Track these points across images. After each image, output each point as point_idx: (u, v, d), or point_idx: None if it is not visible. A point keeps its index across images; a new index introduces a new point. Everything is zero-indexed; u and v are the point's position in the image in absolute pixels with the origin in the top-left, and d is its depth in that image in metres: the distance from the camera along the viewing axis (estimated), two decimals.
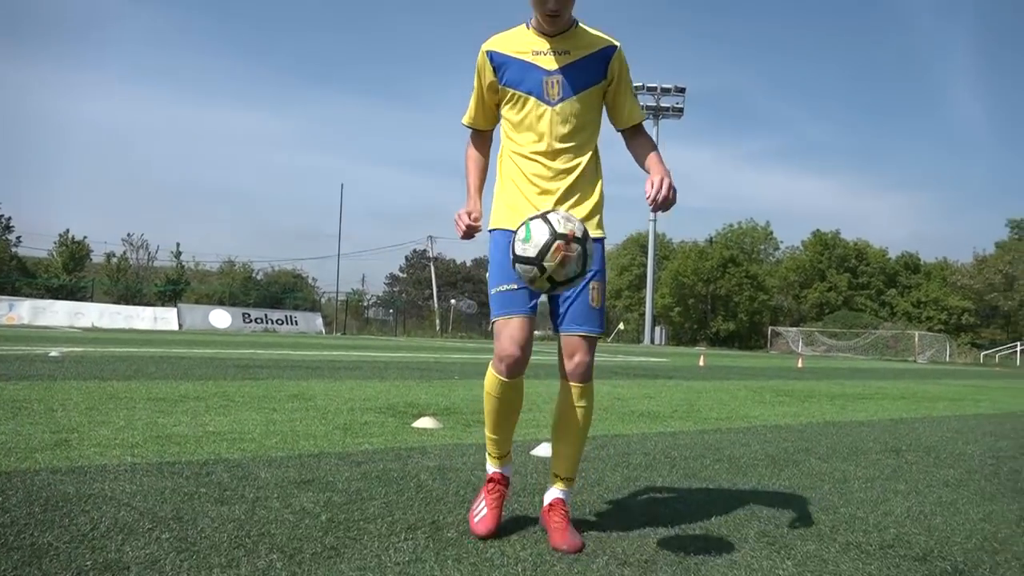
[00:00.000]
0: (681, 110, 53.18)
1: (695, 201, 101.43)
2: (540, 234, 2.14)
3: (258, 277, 51.92)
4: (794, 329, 47.80)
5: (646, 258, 53.67)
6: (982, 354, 42.95)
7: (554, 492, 2.54)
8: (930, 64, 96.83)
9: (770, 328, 48.68)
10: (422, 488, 3.09)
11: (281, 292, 47.80)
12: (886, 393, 10.46)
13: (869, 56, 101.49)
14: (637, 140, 2.64)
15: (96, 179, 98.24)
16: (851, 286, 55.95)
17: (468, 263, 63.53)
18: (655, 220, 53.63)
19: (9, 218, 40.44)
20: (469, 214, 2.55)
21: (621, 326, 52.35)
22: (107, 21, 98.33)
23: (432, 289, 56.87)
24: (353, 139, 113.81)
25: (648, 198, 2.34)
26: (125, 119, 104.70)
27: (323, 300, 51.51)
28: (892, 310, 55.05)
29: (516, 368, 2.46)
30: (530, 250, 2.15)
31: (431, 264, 58.97)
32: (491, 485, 2.57)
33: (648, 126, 52.07)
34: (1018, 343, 42.27)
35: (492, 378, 2.52)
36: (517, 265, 2.20)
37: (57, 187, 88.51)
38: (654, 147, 2.60)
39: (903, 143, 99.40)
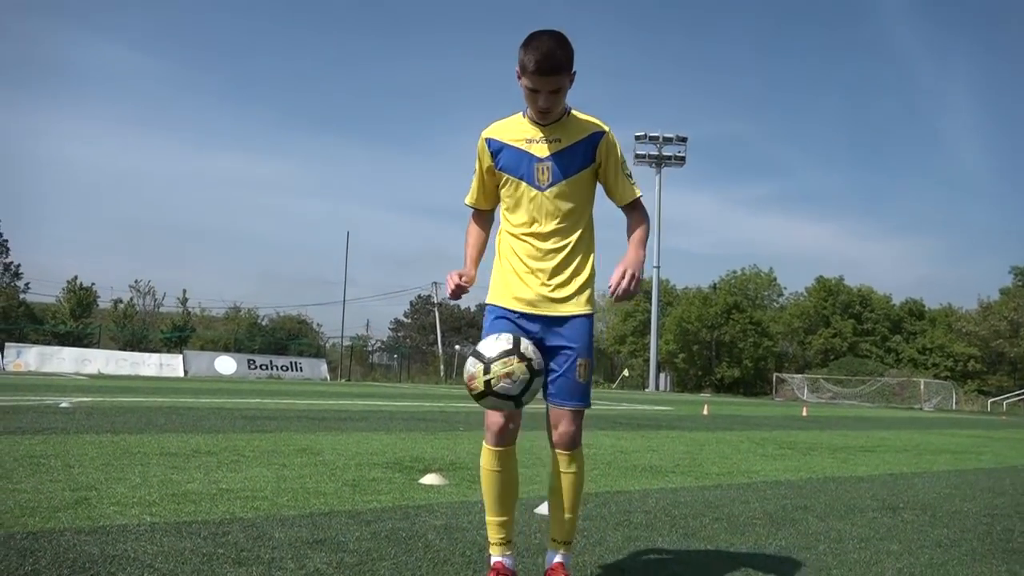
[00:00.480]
0: (683, 158, 53.94)
1: (698, 247, 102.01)
2: (505, 343, 2.43)
3: (263, 323, 52.21)
4: (799, 376, 47.72)
5: (650, 304, 53.87)
6: (989, 401, 42.74)
7: (554, 556, 2.68)
8: (932, 109, 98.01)
9: (775, 375, 48.59)
10: (430, 548, 3.21)
11: (286, 338, 48.01)
12: (888, 445, 10.52)
13: (871, 101, 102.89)
14: (630, 217, 2.80)
15: (101, 224, 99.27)
16: (856, 332, 55.99)
17: (472, 308, 63.78)
18: (659, 266, 53.98)
19: (18, 265, 40.95)
20: (461, 275, 2.73)
21: (625, 372, 52.34)
22: (112, 67, 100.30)
23: (437, 335, 57.00)
24: (358, 184, 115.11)
25: (609, 290, 2.53)
26: (130, 164, 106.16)
27: (328, 346, 51.73)
28: (898, 356, 55.01)
29: (506, 437, 2.61)
30: (490, 349, 2.44)
31: (436, 310, 59.20)
32: (496, 575, 2.63)
33: (650, 174, 52.61)
34: None
35: (487, 453, 2.66)
36: (471, 356, 2.49)
37: (63, 232, 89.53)
38: (640, 226, 2.77)
39: (905, 188, 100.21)
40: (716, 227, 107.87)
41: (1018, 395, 42.18)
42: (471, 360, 2.45)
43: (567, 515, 2.69)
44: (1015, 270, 56.45)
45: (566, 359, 2.64)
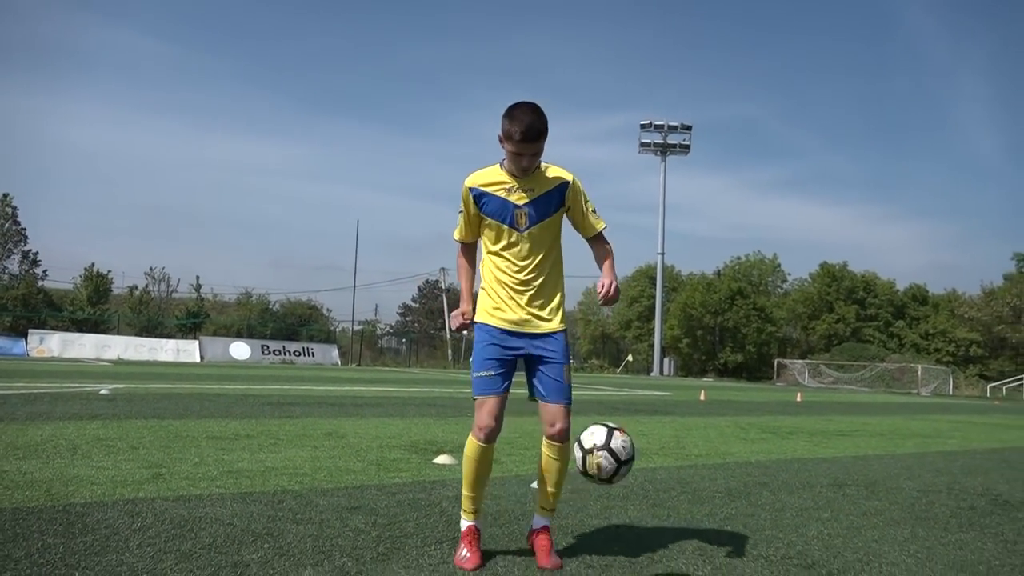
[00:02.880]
0: (688, 147, 54.43)
1: (704, 231, 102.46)
2: (599, 438, 3.16)
3: (275, 308, 53.16)
4: (800, 361, 48.47)
5: (655, 289, 54.60)
6: (989, 386, 43.41)
7: (540, 520, 3.31)
8: (945, 93, 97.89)
9: (776, 360, 49.33)
10: (444, 513, 4.03)
11: (298, 324, 48.94)
12: (866, 430, 11.30)
13: (882, 83, 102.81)
14: (597, 246, 3.37)
15: (113, 210, 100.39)
16: (859, 318, 56.55)
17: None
18: (663, 252, 54.65)
19: (36, 253, 41.90)
20: (463, 314, 3.41)
21: (630, 358, 53.15)
22: (124, 52, 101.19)
23: (445, 320, 57.88)
24: (367, 168, 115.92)
25: (599, 295, 3.22)
26: (141, 150, 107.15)
27: (338, 331, 52.66)
28: (900, 342, 55.57)
29: (492, 436, 3.17)
30: (586, 442, 3.16)
31: (444, 295, 60.05)
32: (469, 536, 3.19)
33: (655, 163, 53.06)
34: None
35: (473, 444, 3.20)
36: (575, 445, 3.21)
37: (76, 218, 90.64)
38: (608, 256, 3.35)
39: (911, 173, 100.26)
40: (721, 210, 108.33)
41: (1017, 380, 42.82)
42: (577, 447, 3.20)
43: (553, 490, 3.30)
44: (1017, 256, 56.88)
45: (555, 366, 3.23)
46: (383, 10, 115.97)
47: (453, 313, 3.42)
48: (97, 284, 42.70)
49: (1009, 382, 43.28)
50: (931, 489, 5.72)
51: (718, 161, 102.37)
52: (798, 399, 21.49)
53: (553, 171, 3.27)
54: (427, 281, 66.98)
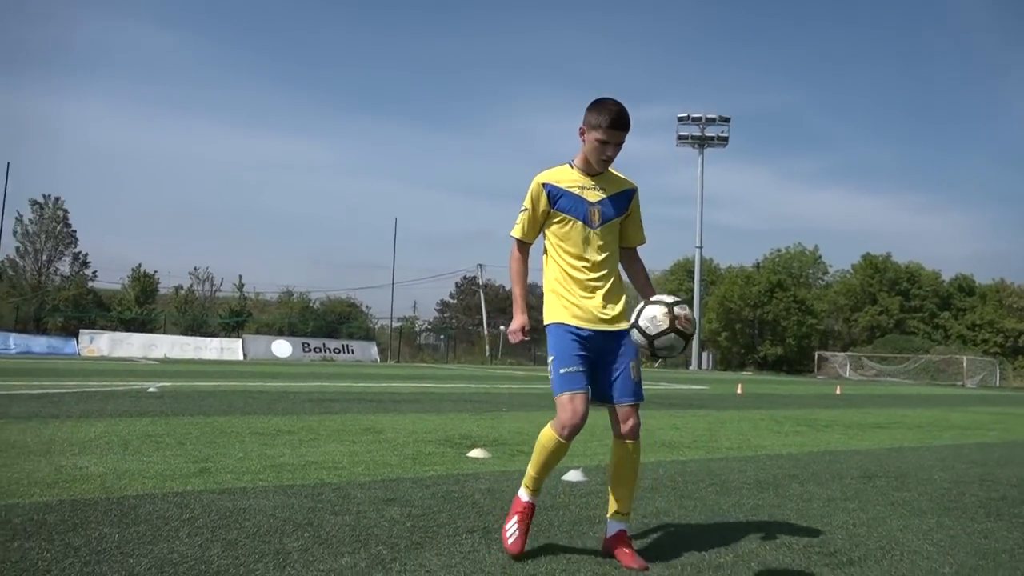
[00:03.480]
0: (726, 139, 53.97)
1: (743, 223, 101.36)
2: (662, 319, 2.99)
3: (315, 306, 53.94)
4: (841, 354, 47.83)
5: (693, 283, 54.27)
6: None
7: (616, 525, 3.23)
8: (993, 79, 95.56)
9: (817, 353, 48.73)
10: (476, 505, 4.18)
11: (337, 321, 49.62)
12: (904, 422, 11.22)
13: (925, 71, 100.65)
14: (633, 257, 3.47)
15: (156, 210, 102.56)
16: (903, 309, 55.66)
17: None
18: (701, 246, 54.28)
19: (86, 254, 43.06)
20: (522, 329, 3.29)
21: None
22: (165, 54, 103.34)
23: (482, 316, 58.22)
24: (405, 165, 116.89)
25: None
26: (184, 151, 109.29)
27: (377, 328, 53.26)
28: (946, 333, 54.57)
29: (575, 433, 3.14)
30: (651, 328, 2.99)
31: (481, 291, 60.38)
32: (523, 512, 3.23)
33: (693, 155, 52.87)
34: None
35: (552, 437, 3.15)
36: (634, 331, 3.04)
37: (121, 218, 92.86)
38: (644, 272, 3.45)
39: (956, 161, 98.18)
40: (762, 202, 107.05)
41: None
42: (637, 335, 3.03)
43: (628, 492, 3.25)
44: None
45: (623, 364, 3.22)
46: (416, 6, 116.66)
47: (511, 328, 3.32)
48: (144, 284, 43.81)
49: None
50: (963, 480, 5.72)
51: (756, 152, 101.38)
52: (837, 392, 21.28)
53: (620, 177, 3.38)
54: (464, 278, 67.46)
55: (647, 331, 3.00)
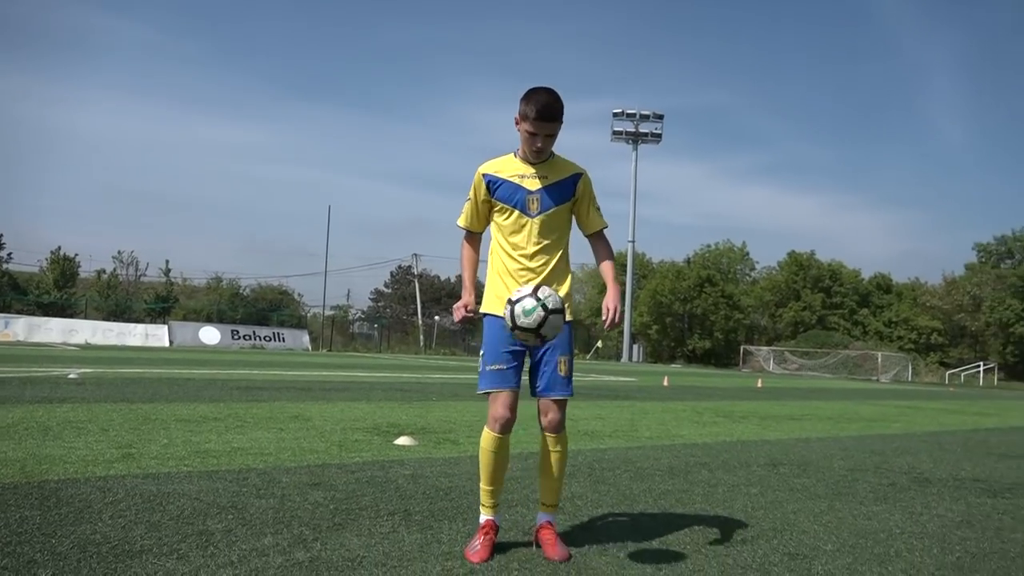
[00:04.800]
0: (659, 135, 54.93)
1: (676, 218, 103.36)
2: (534, 309, 2.96)
3: (245, 293, 52.93)
4: (765, 348, 49.38)
5: (626, 277, 55.16)
6: (947, 373, 44.61)
7: (542, 516, 3.29)
8: (915, 81, 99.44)
9: (742, 347, 50.19)
10: (399, 489, 4.32)
11: (268, 308, 48.82)
12: (816, 414, 11.78)
13: (852, 73, 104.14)
14: (597, 244, 3.43)
15: (79, 192, 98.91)
16: (825, 306, 57.65)
17: (452, 279, 64.83)
18: (634, 240, 55.22)
19: (1, 235, 41.32)
20: (466, 306, 3.29)
21: (599, 344, 53.71)
22: (92, 34, 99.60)
23: (417, 305, 58.04)
24: (339, 151, 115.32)
25: (605, 325, 3.26)
26: (109, 132, 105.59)
27: (309, 316, 52.59)
28: (864, 329, 56.76)
29: (507, 426, 3.18)
30: (530, 322, 2.95)
31: (416, 280, 60.15)
32: (484, 528, 3.19)
33: (627, 151, 53.51)
34: (981, 363, 44.03)
35: (488, 436, 3.20)
36: (517, 331, 2.98)
37: (42, 200, 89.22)
38: (608, 258, 3.40)
39: (880, 162, 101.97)
40: (694, 200, 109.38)
41: (975, 367, 44.03)
42: (521, 333, 2.98)
43: (554, 484, 3.28)
44: (978, 246, 58.32)
45: (552, 358, 3.23)
46: None
47: (456, 305, 3.34)
48: (64, 267, 42.29)
49: (966, 369, 44.52)
50: (859, 468, 6.12)
51: (690, 149, 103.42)
52: (758, 385, 22.06)
53: (567, 162, 3.35)
54: (400, 267, 67.09)
55: (529, 326, 2.98)
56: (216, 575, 2.72)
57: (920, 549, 3.61)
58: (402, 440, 6.14)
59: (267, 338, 38.59)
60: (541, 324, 2.96)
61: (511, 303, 3.01)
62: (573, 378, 3.34)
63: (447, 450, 5.88)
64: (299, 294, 57.48)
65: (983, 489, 5.41)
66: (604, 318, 3.22)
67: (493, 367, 3.22)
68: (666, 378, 21.94)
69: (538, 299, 2.97)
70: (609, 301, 3.23)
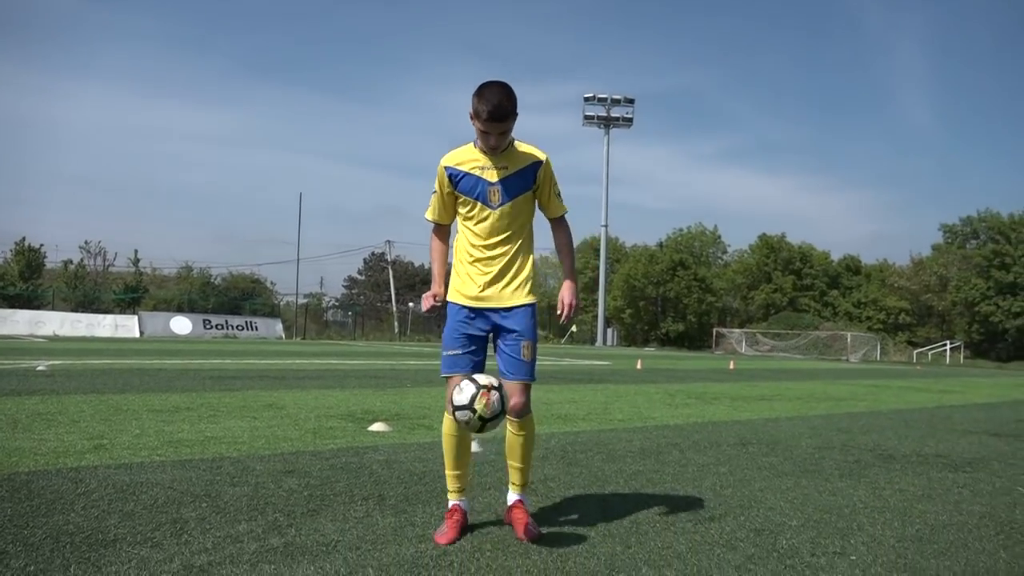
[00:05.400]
0: (631, 120, 55.03)
1: (648, 202, 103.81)
2: (469, 389, 3.03)
3: (217, 282, 52.40)
4: (738, 330, 49.95)
5: (599, 261, 55.39)
6: (915, 352, 45.42)
7: (513, 495, 3.36)
8: (879, 63, 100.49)
9: (715, 329, 50.70)
10: (373, 475, 4.36)
11: (240, 297, 48.39)
12: (786, 395, 11.97)
13: (820, 53, 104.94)
14: (557, 228, 3.49)
15: (45, 181, 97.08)
16: (796, 288, 58.32)
17: (426, 266, 64.64)
18: (607, 224, 55.40)
19: None
20: (434, 296, 3.40)
21: (574, 328, 53.94)
22: (55, 19, 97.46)
23: (391, 292, 57.85)
24: (312, 137, 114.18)
25: (561, 318, 3.35)
26: (72, 119, 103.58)
27: (282, 304, 52.23)
28: (834, 310, 57.53)
29: None
30: (465, 400, 3.02)
31: (389, 267, 59.91)
32: (451, 512, 3.25)
33: (599, 136, 53.50)
34: (948, 342, 44.91)
35: (447, 421, 3.26)
36: (456, 413, 3.04)
37: (3, 188, 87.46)
38: (567, 242, 3.47)
39: (847, 144, 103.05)
40: (666, 183, 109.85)
41: (941, 346, 44.90)
42: (459, 413, 3.04)
43: (521, 466, 3.34)
44: (944, 227, 59.24)
45: (514, 341, 3.27)
46: None
47: (424, 295, 3.43)
48: (29, 258, 41.59)
49: (933, 348, 45.38)
50: (826, 446, 6.25)
51: (661, 132, 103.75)
52: (731, 367, 22.33)
53: (527, 149, 3.34)
54: (373, 254, 66.77)
55: (473, 429, 3.08)
56: (191, 562, 2.74)
57: (881, 523, 3.72)
58: (376, 426, 6.16)
59: (240, 327, 38.31)
60: (481, 429, 3.06)
61: (455, 408, 3.07)
62: (537, 362, 3.39)
63: (421, 435, 5.92)
64: (272, 282, 57.04)
65: (945, 464, 5.56)
66: (559, 311, 3.31)
67: (449, 352, 3.32)
68: (639, 361, 22.13)
69: (473, 411, 3.01)
70: (565, 295, 3.33)
